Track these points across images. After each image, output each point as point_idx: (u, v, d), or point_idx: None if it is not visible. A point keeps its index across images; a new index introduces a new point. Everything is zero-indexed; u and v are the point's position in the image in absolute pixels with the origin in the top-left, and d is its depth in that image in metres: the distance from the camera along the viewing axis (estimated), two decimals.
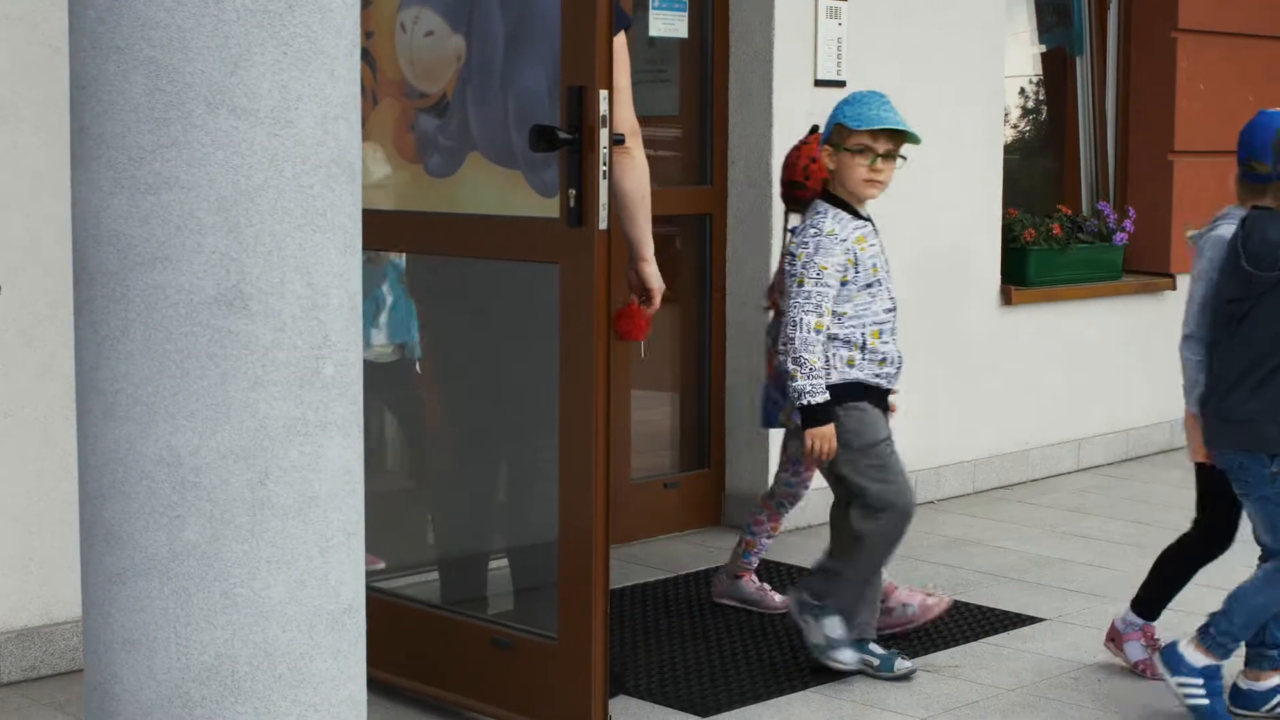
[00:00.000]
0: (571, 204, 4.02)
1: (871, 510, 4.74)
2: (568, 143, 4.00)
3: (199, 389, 2.56)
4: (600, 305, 4.01)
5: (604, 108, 3.96)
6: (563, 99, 4.03)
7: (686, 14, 6.38)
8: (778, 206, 6.41)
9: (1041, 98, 8.33)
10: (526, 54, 4.26)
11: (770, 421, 5.42)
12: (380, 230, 4.45)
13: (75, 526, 2.82)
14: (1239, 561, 4.68)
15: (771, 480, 5.59)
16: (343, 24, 2.65)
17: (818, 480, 6.67)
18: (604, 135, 3.97)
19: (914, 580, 5.49)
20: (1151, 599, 4.83)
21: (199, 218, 2.54)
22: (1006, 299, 7.36)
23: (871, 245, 4.80)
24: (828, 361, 4.73)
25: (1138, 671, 4.81)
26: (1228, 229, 4.42)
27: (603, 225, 3.99)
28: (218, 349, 2.56)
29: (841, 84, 6.56)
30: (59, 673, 4.72)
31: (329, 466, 2.66)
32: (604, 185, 3.98)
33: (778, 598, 5.38)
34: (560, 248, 4.08)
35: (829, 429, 4.69)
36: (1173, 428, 8.19)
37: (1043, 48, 8.28)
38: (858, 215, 4.81)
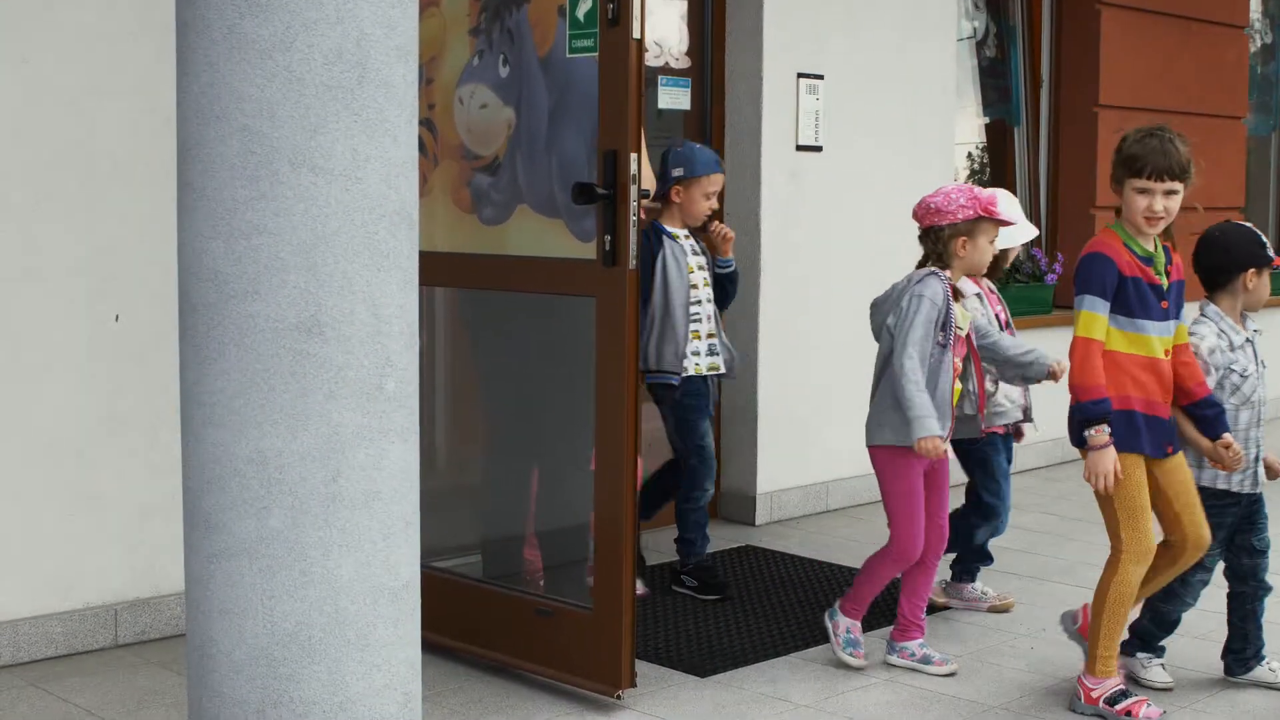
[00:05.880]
0: (607, 247, 4.07)
1: None
2: (604, 197, 4.07)
3: (282, 401, 2.56)
4: (630, 331, 4.07)
5: (634, 168, 4.03)
6: (599, 161, 4.09)
7: (689, 90, 6.39)
8: (765, 254, 6.42)
9: (985, 161, 8.32)
10: (567, 123, 4.31)
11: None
12: (441, 269, 4.52)
13: (179, 515, 2.82)
14: None
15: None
16: (404, 97, 2.65)
17: (795, 480, 6.62)
18: (633, 191, 4.04)
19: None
20: None
21: (283, 258, 2.54)
22: None
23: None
24: None
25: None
26: None
27: (632, 265, 4.04)
28: (298, 368, 2.56)
29: (819, 149, 6.57)
30: (165, 636, 4.72)
31: (390, 466, 2.66)
32: (633, 233, 4.05)
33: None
34: (597, 283, 4.13)
35: None
36: None
37: (987, 119, 8.27)
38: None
